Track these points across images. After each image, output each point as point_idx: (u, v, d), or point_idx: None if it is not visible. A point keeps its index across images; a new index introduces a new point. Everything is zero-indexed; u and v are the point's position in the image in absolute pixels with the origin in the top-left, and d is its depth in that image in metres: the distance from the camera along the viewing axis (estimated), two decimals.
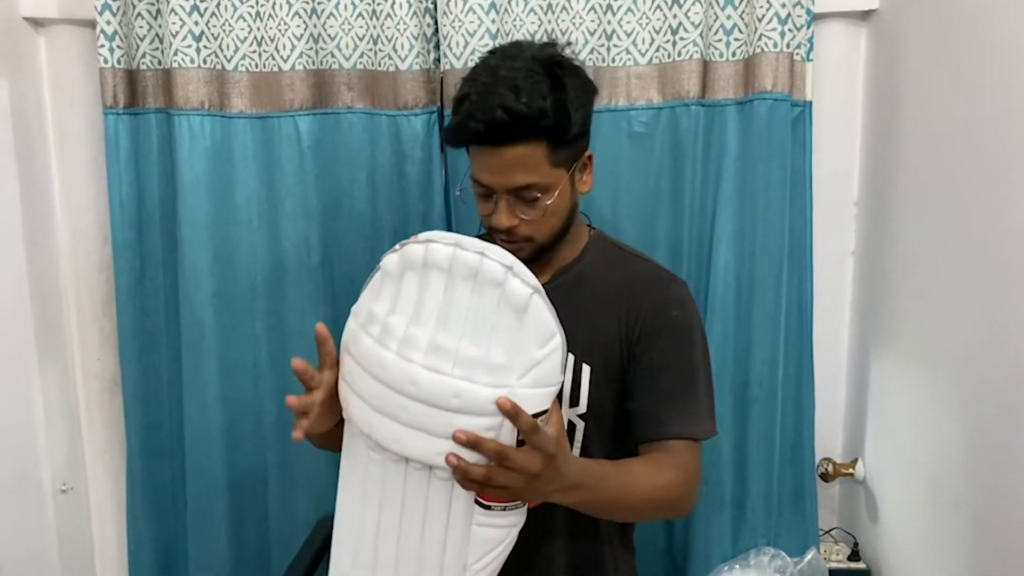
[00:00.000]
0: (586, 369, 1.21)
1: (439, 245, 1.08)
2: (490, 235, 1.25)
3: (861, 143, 2.03)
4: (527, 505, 1.09)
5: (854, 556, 2.04)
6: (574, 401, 1.21)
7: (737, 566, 1.84)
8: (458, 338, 1.02)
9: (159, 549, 2.12)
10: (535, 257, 1.21)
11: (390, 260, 1.12)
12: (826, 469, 2.05)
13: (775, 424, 1.90)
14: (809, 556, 1.84)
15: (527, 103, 1.10)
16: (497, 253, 1.05)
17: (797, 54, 1.83)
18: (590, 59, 1.85)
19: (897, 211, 1.87)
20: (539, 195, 1.16)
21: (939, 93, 1.69)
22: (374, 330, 1.10)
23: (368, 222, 1.98)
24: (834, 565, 1.98)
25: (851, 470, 2.06)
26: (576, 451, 1.22)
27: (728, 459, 1.91)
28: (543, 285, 1.11)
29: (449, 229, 1.97)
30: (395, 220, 1.97)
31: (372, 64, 1.91)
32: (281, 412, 2.04)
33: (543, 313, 1.03)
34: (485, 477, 0.97)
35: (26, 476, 2.01)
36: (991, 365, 1.47)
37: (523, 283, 1.04)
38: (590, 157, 1.27)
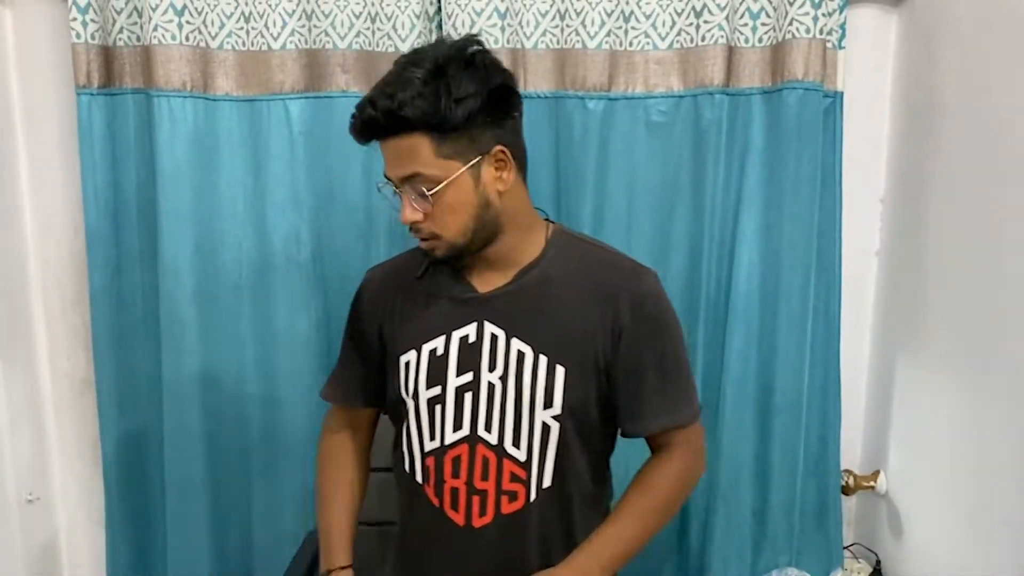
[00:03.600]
0: (560, 370, 1.18)
1: None
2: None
3: (889, 136, 1.91)
4: None
5: (876, 574, 1.94)
6: (548, 403, 1.18)
7: None
8: None
9: (138, 565, 1.97)
10: (459, 256, 1.20)
11: None
12: (846, 482, 1.94)
13: (799, 434, 1.79)
14: None
15: (393, 96, 1.11)
16: None
17: (829, 41, 1.71)
18: (606, 42, 1.72)
19: (928, 209, 1.75)
20: (431, 187, 1.15)
21: (976, 84, 1.58)
22: None
23: (362, 214, 1.84)
24: None
25: (872, 483, 1.95)
26: (551, 453, 1.20)
27: (749, 471, 1.80)
28: (504, 287, 1.22)
29: None
30: (391, 213, 1.83)
31: (369, 44, 1.77)
32: (267, 419, 1.90)
33: None
34: None
35: None
36: None
37: None
38: (504, 152, 1.18)
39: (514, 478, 1.19)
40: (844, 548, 1.97)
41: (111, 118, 1.79)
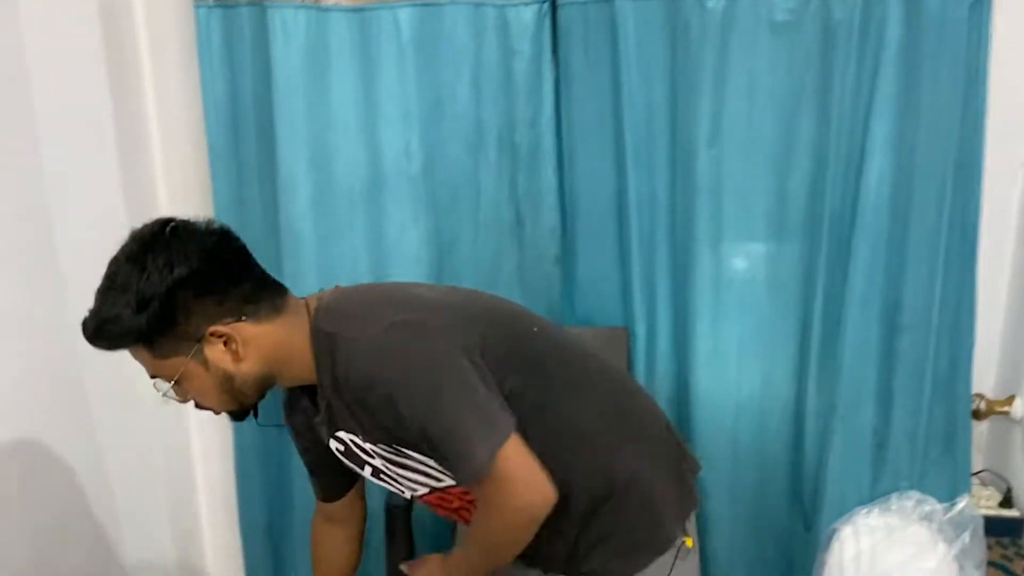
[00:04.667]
0: (368, 444, 1.20)
1: None
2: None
3: None
4: None
5: (1006, 502, 1.85)
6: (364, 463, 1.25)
7: (876, 511, 1.68)
8: None
9: (265, 466, 2.08)
10: (246, 411, 1.23)
11: None
12: (977, 406, 1.84)
13: (927, 355, 1.69)
14: (962, 504, 1.65)
15: (88, 320, 1.11)
16: None
17: None
18: None
19: None
20: (169, 382, 1.16)
21: None
22: None
23: (472, 126, 1.82)
24: (982, 511, 1.78)
25: (1007, 408, 1.84)
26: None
27: (871, 392, 1.72)
28: (318, 417, 1.22)
29: (558, 133, 1.80)
30: (500, 123, 1.81)
31: None
32: None
33: None
34: None
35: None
36: None
37: None
38: (218, 331, 1.13)
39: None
40: (972, 474, 1.88)
41: (228, 31, 1.81)
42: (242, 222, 1.91)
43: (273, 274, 1.90)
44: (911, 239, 1.65)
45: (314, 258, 1.86)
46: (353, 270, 1.88)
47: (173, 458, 2.14)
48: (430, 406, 1.08)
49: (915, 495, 1.69)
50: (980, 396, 1.85)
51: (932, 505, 1.67)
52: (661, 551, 1.22)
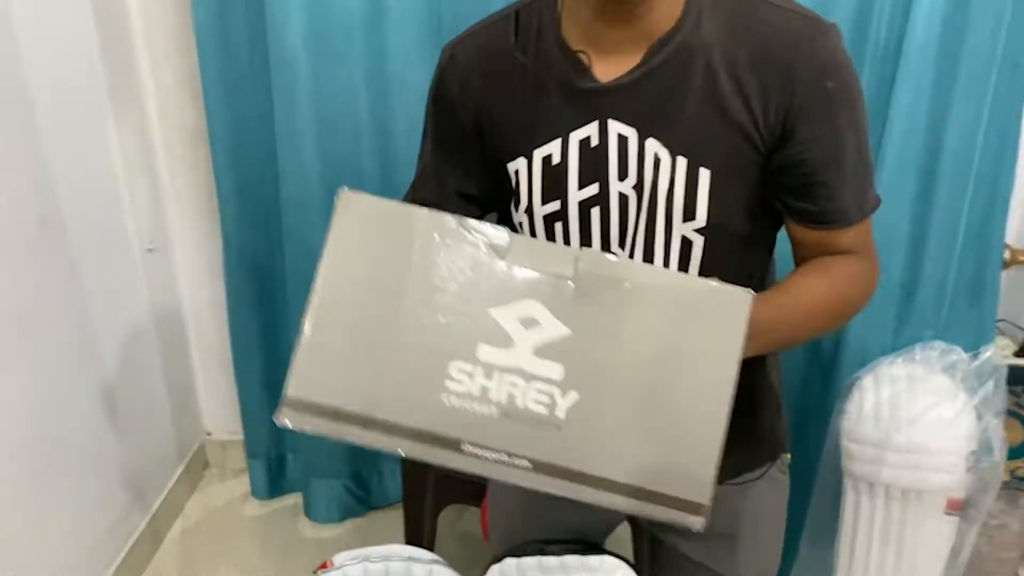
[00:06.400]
0: (704, 174, 0.91)
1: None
2: None
3: None
4: None
5: (1022, 352, 1.83)
6: (689, 215, 0.93)
7: (900, 360, 1.64)
8: None
9: (258, 318, 2.00)
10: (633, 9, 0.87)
11: None
12: (1003, 256, 1.79)
13: (964, 200, 1.62)
14: (986, 353, 1.62)
15: None
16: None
17: None
18: None
19: None
20: None
21: None
22: None
23: None
24: (1001, 361, 1.76)
25: None
26: (694, 271, 0.95)
27: (902, 239, 1.65)
28: (631, 72, 0.89)
29: None
30: None
31: None
32: (385, 171, 1.82)
33: None
34: None
35: (113, 236, 1.86)
36: None
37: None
38: None
39: None
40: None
41: None
42: (227, 52, 1.77)
43: (265, 111, 1.78)
44: (959, 78, 1.54)
45: (310, 93, 1.71)
46: (354, 105, 1.74)
47: (163, 315, 2.05)
48: (866, 125, 0.93)
49: (940, 345, 1.65)
50: (1006, 246, 1.79)
51: (957, 355, 1.63)
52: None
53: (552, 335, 0.74)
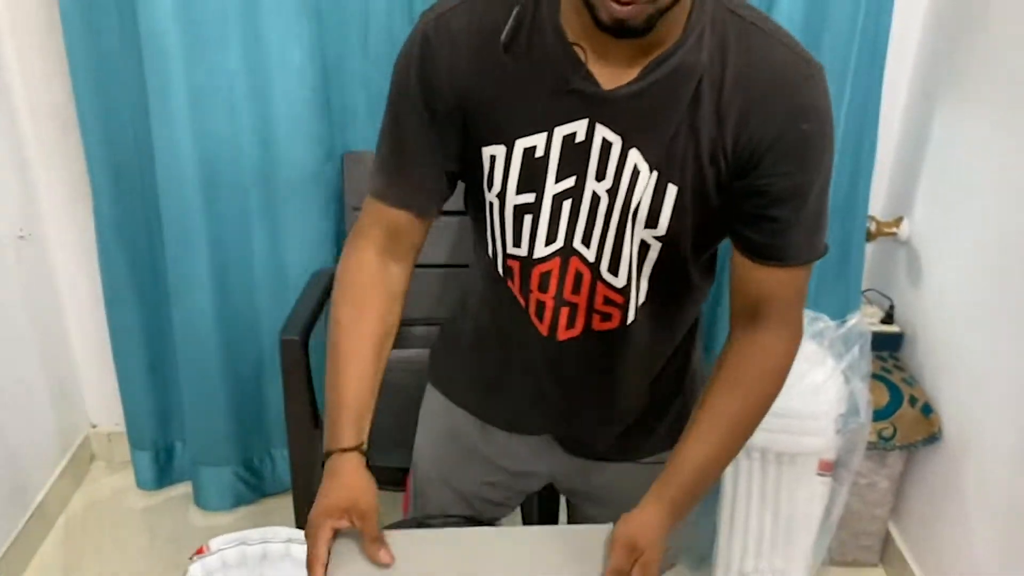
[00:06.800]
0: (671, 190, 0.93)
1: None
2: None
3: None
4: None
5: (888, 319, 1.93)
6: (651, 222, 0.94)
7: None
8: None
9: (137, 301, 1.94)
10: (648, 27, 0.83)
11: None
12: (868, 227, 1.87)
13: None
14: (852, 320, 1.70)
15: None
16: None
17: None
18: None
19: None
20: None
21: None
22: None
23: None
24: (866, 328, 1.85)
25: (894, 229, 1.89)
26: (647, 270, 0.98)
27: None
28: (630, 84, 0.88)
29: None
30: None
31: None
32: (265, 153, 1.79)
33: None
34: None
35: None
36: None
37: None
38: None
39: (608, 301, 0.99)
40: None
41: None
42: (94, 32, 1.70)
43: (136, 92, 1.73)
44: (824, 49, 1.60)
45: (183, 69, 1.67)
46: (229, 82, 1.71)
47: (38, 304, 1.98)
48: (828, 176, 0.93)
49: (808, 313, 1.72)
50: (872, 218, 1.88)
51: (824, 323, 1.71)
52: None
53: None
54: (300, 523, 1.71)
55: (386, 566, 0.93)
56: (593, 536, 0.97)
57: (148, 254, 1.89)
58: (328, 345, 1.01)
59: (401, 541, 0.95)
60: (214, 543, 1.20)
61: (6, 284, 1.86)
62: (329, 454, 0.96)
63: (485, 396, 1.14)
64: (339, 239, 1.92)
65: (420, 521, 1.15)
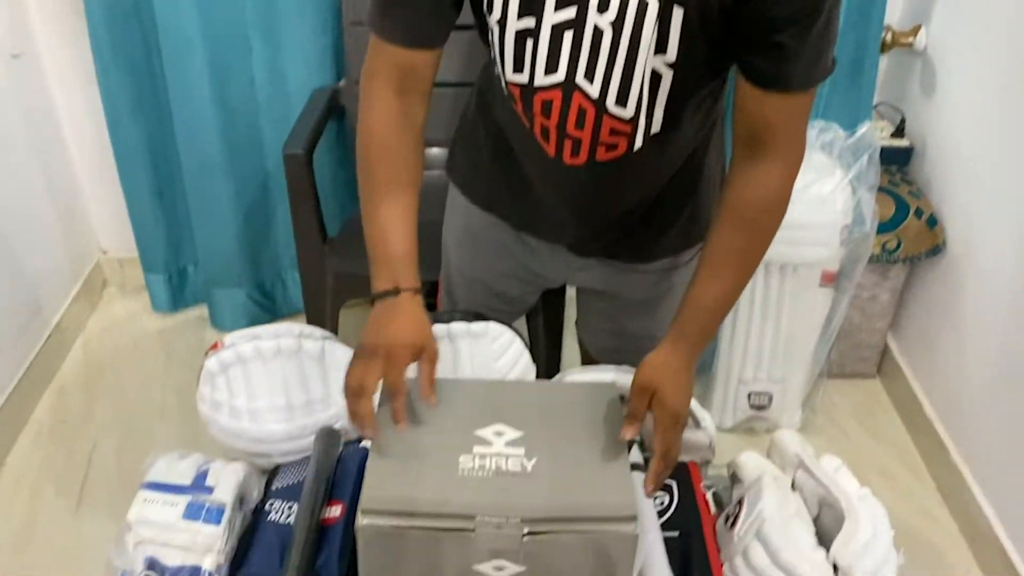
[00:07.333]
0: (677, 12, 0.89)
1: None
2: None
3: None
4: None
5: (898, 133, 1.90)
6: (661, 47, 0.92)
7: None
8: None
9: (142, 121, 1.92)
10: None
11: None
12: (883, 37, 1.82)
13: None
14: (862, 131, 1.67)
15: None
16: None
17: None
18: None
19: None
20: None
21: None
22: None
23: None
24: (875, 138, 1.82)
25: (911, 39, 1.83)
26: (662, 100, 0.96)
27: None
28: None
29: None
30: None
31: None
32: None
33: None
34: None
35: None
36: None
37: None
38: None
39: (614, 132, 0.98)
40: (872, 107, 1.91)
41: None
42: None
43: None
44: None
45: None
46: None
47: (37, 126, 1.96)
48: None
49: (819, 123, 1.69)
50: (888, 27, 1.82)
51: (835, 132, 1.68)
52: None
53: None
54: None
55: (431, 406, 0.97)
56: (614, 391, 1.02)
57: (146, 68, 1.85)
58: (366, 191, 1.01)
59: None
60: (228, 339, 1.23)
61: (2, 107, 1.84)
62: (396, 291, 0.98)
63: (499, 198, 1.17)
64: (338, 55, 1.87)
65: (435, 317, 1.18)
